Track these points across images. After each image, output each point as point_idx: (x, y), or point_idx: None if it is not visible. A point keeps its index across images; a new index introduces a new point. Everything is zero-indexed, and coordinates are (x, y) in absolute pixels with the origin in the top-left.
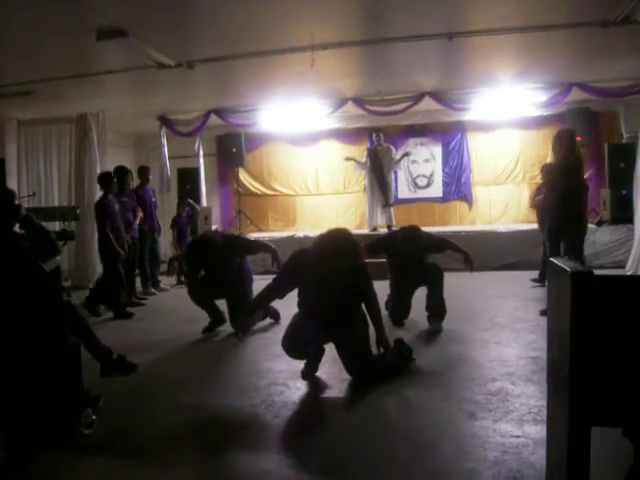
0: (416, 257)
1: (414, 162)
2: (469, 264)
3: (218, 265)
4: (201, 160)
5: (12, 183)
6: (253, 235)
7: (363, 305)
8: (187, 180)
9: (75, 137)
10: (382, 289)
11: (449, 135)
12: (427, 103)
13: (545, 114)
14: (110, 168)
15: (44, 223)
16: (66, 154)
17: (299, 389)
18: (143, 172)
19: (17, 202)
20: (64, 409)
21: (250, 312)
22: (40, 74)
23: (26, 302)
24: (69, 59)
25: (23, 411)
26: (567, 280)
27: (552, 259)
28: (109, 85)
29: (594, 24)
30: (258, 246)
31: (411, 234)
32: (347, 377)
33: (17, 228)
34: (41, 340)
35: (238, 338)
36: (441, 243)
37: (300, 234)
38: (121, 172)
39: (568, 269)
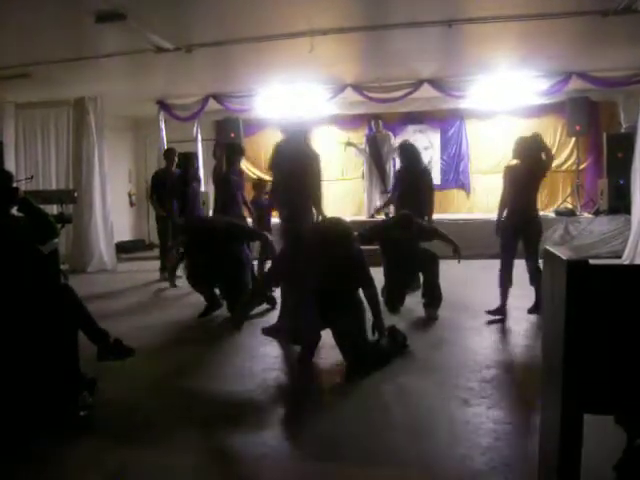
0: (409, 244)
1: None
2: (457, 254)
3: (217, 250)
4: (199, 145)
5: (10, 166)
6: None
7: (360, 292)
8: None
9: (73, 120)
10: (377, 277)
11: (448, 123)
12: (426, 90)
13: (544, 103)
14: (108, 153)
15: (41, 206)
16: (64, 137)
17: (294, 374)
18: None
19: (14, 185)
20: (61, 391)
21: (249, 302)
22: (38, 57)
23: (23, 284)
24: (67, 42)
25: (20, 393)
26: (563, 268)
27: (547, 247)
28: (107, 69)
29: (594, 13)
30: (258, 234)
31: (404, 222)
32: (343, 363)
33: (15, 211)
34: (38, 322)
35: (234, 326)
36: (431, 232)
37: None
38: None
39: (564, 257)
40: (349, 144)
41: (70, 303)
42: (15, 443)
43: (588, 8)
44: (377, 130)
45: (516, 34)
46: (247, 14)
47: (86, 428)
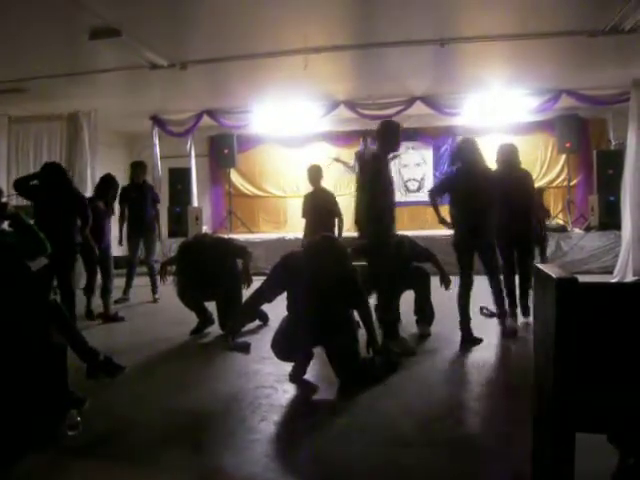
0: (401, 262)
1: (405, 166)
2: (445, 282)
3: (208, 267)
4: (193, 160)
5: (1, 180)
6: (244, 236)
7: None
8: (178, 180)
9: (66, 135)
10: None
11: (440, 139)
12: (418, 107)
13: (535, 120)
14: (101, 168)
15: (33, 222)
16: (57, 152)
17: (287, 392)
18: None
19: (5, 200)
20: (49, 410)
21: (240, 317)
22: (32, 71)
23: (10, 300)
24: (62, 57)
25: (6, 412)
26: (552, 287)
27: (538, 265)
28: (101, 84)
29: (583, 33)
30: (246, 252)
31: (396, 240)
32: (335, 380)
33: (6, 226)
34: (26, 340)
35: (229, 345)
36: (425, 254)
37: (291, 236)
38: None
39: (554, 276)
40: (337, 160)
41: (59, 321)
42: (2, 463)
43: (577, 28)
44: (366, 147)
45: (507, 53)
46: (242, 31)
47: (73, 447)
